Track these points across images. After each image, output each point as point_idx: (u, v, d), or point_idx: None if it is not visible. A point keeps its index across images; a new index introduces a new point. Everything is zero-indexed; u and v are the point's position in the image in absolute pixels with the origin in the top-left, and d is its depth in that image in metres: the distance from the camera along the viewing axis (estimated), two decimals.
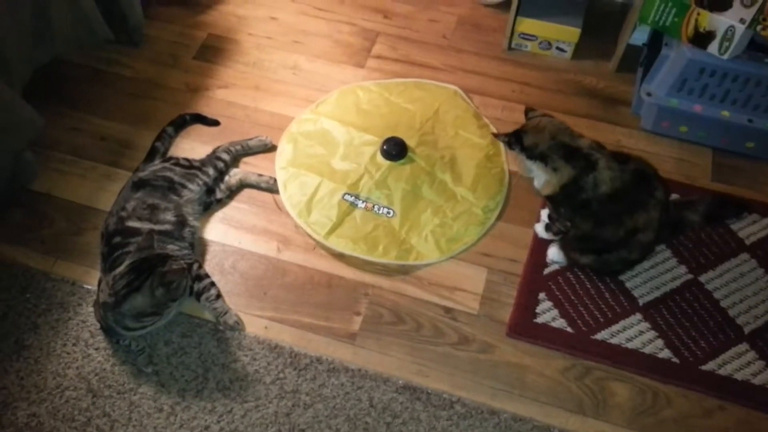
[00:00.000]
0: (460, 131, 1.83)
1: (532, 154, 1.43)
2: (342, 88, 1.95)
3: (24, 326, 1.49)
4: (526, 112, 1.53)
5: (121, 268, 1.36)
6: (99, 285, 1.46)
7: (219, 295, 1.50)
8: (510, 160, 1.80)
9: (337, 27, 2.13)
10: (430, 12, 2.18)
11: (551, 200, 1.50)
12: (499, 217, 1.69)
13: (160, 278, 1.33)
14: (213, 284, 1.51)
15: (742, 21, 1.59)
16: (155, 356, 1.45)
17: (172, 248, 1.49)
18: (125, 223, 1.51)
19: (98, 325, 1.46)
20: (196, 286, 1.48)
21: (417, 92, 1.94)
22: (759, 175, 1.79)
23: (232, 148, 1.75)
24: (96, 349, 1.46)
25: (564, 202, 1.48)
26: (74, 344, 1.46)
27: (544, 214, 1.65)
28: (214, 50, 2.06)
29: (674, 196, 1.69)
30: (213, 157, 1.72)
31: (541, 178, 1.46)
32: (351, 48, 2.08)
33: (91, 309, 1.49)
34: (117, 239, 1.48)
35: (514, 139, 1.45)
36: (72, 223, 1.67)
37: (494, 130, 1.85)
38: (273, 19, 2.15)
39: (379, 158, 1.75)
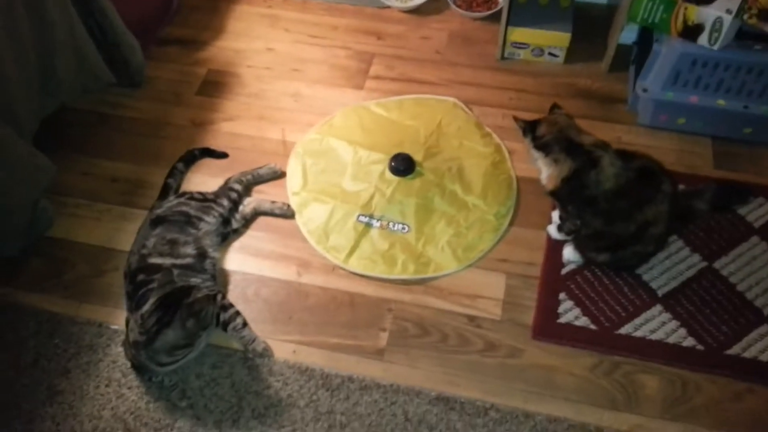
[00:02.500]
0: (465, 141, 1.87)
1: (538, 143, 1.50)
2: (342, 109, 1.98)
3: (54, 372, 1.50)
4: (552, 108, 1.60)
5: (147, 306, 1.38)
6: (127, 324, 1.47)
7: (245, 324, 1.51)
8: (516, 166, 1.83)
9: (333, 52, 2.18)
10: (421, 30, 2.23)
11: (556, 197, 1.54)
12: (511, 223, 1.72)
13: (188, 309, 1.35)
14: (238, 313, 1.52)
15: (728, 11, 1.64)
16: (188, 390, 1.46)
17: (195, 281, 1.51)
18: (147, 260, 1.53)
19: (129, 364, 1.48)
20: (222, 317, 1.49)
21: (417, 108, 1.97)
22: (759, 160, 1.83)
23: (243, 178, 1.78)
24: (129, 388, 1.47)
25: (569, 199, 1.52)
26: (107, 385, 1.47)
27: (555, 215, 1.68)
28: (215, 85, 2.09)
29: (680, 187, 1.72)
30: (226, 188, 1.75)
31: (544, 171, 1.52)
32: (348, 71, 2.12)
33: (120, 349, 1.50)
34: (141, 277, 1.50)
35: (529, 127, 1.52)
36: (92, 266, 1.68)
37: (497, 139, 1.89)
38: (270, 50, 2.19)
39: (388, 175, 1.78)
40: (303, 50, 2.19)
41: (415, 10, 2.28)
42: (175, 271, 1.48)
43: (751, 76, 1.72)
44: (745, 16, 1.68)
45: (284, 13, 2.31)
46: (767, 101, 1.76)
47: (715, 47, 1.70)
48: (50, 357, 1.51)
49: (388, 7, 2.28)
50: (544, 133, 1.49)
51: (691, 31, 1.71)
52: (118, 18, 1.90)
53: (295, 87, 2.08)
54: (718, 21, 1.65)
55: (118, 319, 1.57)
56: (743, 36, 1.71)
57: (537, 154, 1.51)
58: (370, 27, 2.25)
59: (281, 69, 2.14)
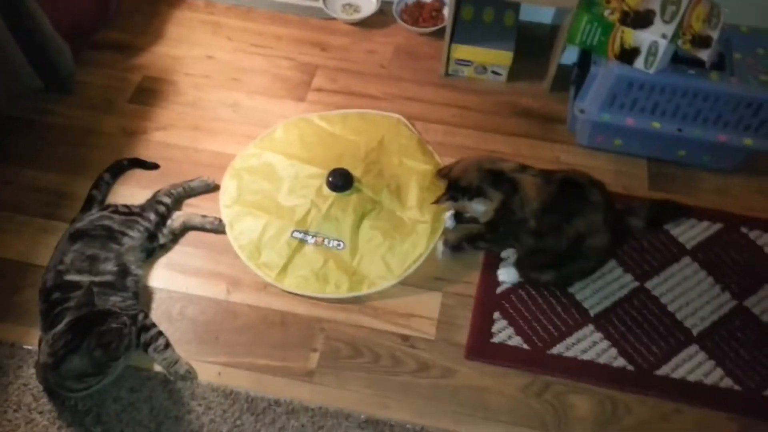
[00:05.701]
0: (405, 159, 1.84)
1: (472, 193, 1.49)
2: (284, 121, 1.94)
3: None
4: (439, 171, 1.60)
5: (60, 327, 1.30)
6: (40, 345, 1.39)
7: (168, 345, 1.45)
8: None
9: (276, 62, 2.13)
10: (366, 43, 2.20)
11: (490, 223, 1.52)
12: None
13: (98, 338, 1.28)
14: (161, 333, 1.46)
15: (663, 36, 1.66)
16: (104, 415, 1.38)
17: (114, 300, 1.43)
18: (64, 277, 1.45)
19: (41, 387, 1.39)
20: (143, 337, 1.42)
21: (361, 123, 1.94)
22: (692, 181, 1.86)
23: (173, 191, 1.71)
24: (40, 413, 1.38)
25: (500, 222, 1.51)
26: (16, 410, 1.38)
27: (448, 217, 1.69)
28: (150, 92, 2.02)
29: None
30: (154, 201, 1.68)
31: (481, 211, 1.50)
32: (290, 82, 2.08)
33: (33, 371, 1.41)
34: (56, 295, 1.42)
35: (453, 191, 1.50)
36: (8, 282, 1.59)
37: (438, 159, 1.87)
38: (210, 58, 2.13)
39: (326, 190, 1.74)
40: (244, 59, 2.14)
41: (361, 23, 2.25)
42: (95, 289, 1.40)
43: (685, 99, 1.75)
44: (680, 42, 1.71)
45: (227, 21, 2.25)
46: (700, 125, 1.79)
47: (651, 71, 1.72)
48: None
49: (334, 18, 2.25)
50: (470, 181, 1.48)
51: (628, 55, 1.73)
52: (47, 20, 1.81)
53: (235, 97, 2.02)
54: (654, 45, 1.68)
55: (33, 338, 1.47)
56: (678, 60, 1.75)
57: (476, 203, 1.50)
58: (314, 38, 2.21)
59: (221, 78, 2.08)
